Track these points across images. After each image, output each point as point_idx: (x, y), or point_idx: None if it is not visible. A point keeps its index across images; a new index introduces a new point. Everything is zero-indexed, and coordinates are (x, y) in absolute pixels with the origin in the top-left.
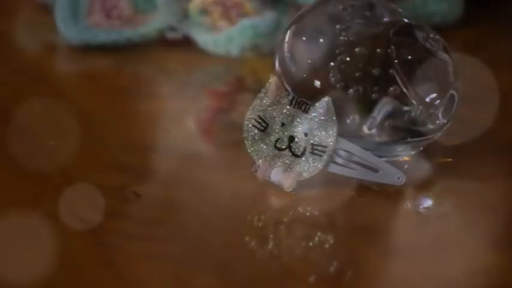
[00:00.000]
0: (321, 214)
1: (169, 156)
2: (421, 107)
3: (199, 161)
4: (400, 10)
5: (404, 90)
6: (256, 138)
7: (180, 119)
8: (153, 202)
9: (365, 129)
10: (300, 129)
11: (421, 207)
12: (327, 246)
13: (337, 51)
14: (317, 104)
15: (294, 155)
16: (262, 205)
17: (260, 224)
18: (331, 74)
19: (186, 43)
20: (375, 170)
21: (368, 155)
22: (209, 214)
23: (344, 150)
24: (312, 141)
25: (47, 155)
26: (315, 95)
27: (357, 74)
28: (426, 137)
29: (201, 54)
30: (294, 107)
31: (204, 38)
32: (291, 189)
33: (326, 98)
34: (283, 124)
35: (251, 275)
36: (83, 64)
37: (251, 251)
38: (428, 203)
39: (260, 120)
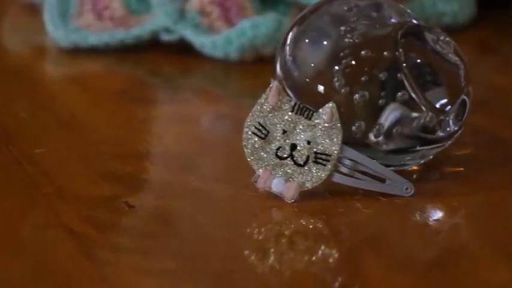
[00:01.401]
0: (324, 226)
1: (165, 164)
2: (430, 114)
3: (196, 170)
4: (409, 11)
5: (413, 95)
6: (256, 146)
7: (175, 125)
8: (148, 213)
9: (371, 137)
10: (302, 136)
11: (430, 218)
12: (331, 260)
13: (341, 54)
14: (321, 110)
15: (296, 164)
16: (263, 217)
17: (260, 237)
18: (335, 79)
19: (182, 46)
20: (381, 180)
21: (374, 164)
22: (207, 226)
23: (349, 159)
24: (315, 150)
25: (35, 163)
26: (318, 101)
27: (362, 79)
28: (436, 145)
29: (197, 57)
30: (296, 113)
31: (201, 40)
32: (293, 201)
33: (330, 104)
34: (284, 131)
35: None
36: (73, 67)
37: (251, 264)
38: (438, 214)
39: (260, 127)
